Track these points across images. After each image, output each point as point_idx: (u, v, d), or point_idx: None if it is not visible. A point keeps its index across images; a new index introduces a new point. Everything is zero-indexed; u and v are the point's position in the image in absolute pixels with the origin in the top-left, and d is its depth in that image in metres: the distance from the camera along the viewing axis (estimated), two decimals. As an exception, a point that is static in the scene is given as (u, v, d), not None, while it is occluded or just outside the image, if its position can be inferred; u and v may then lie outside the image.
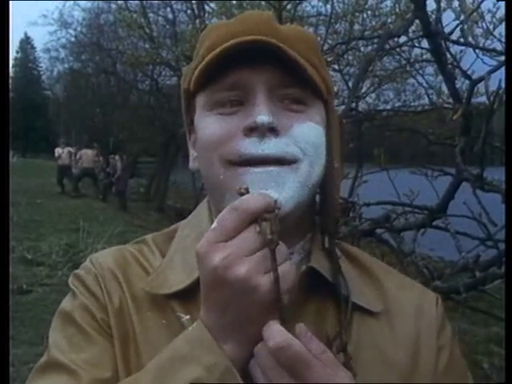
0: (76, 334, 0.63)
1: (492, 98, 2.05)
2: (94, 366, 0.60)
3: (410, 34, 3.50)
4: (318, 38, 4.87)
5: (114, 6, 14.53)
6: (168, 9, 13.04)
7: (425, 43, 3.49)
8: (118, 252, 0.71)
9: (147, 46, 10.00)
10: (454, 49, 3.32)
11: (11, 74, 48.63)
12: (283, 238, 0.51)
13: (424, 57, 5.02)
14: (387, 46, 3.33)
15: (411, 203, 3.36)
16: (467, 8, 2.62)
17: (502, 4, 2.67)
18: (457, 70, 3.16)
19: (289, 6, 4.80)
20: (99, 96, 20.29)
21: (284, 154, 0.59)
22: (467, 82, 2.94)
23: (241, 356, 0.53)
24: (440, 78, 4.28)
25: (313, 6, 6.67)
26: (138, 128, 16.90)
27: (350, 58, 5.97)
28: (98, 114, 20.82)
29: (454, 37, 2.78)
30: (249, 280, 0.49)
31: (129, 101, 19.24)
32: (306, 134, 0.60)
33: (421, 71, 5.17)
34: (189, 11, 11.71)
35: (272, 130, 0.58)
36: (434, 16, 2.82)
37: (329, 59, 4.95)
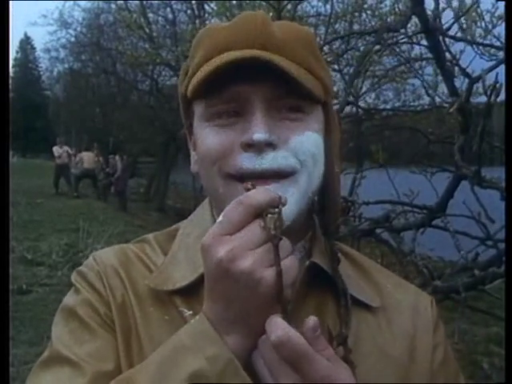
0: (79, 328, 0.64)
1: (489, 91, 2.05)
2: (97, 358, 0.61)
3: (409, 33, 3.50)
4: (318, 39, 4.88)
5: (113, 6, 14.57)
6: (168, 9, 13.07)
7: (424, 42, 3.49)
8: (120, 250, 0.72)
9: (147, 46, 10.01)
10: (454, 48, 3.33)
11: (11, 74, 48.66)
12: (284, 237, 0.52)
13: (423, 56, 5.02)
14: (386, 43, 3.31)
15: (411, 203, 3.36)
16: (466, 9, 2.62)
17: (501, 4, 2.67)
18: (456, 69, 3.16)
19: (288, 6, 4.81)
20: (99, 96, 20.32)
21: (282, 167, 0.60)
22: (466, 80, 2.94)
23: (243, 348, 0.53)
24: (439, 77, 4.29)
25: (312, 6, 6.70)
26: (137, 128, 16.93)
27: (350, 57, 5.97)
28: (97, 114, 20.87)
29: (452, 33, 2.79)
30: (253, 273, 0.50)
31: (129, 101, 19.26)
32: (305, 145, 0.61)
33: (420, 71, 5.17)
34: (189, 11, 11.75)
35: (269, 145, 0.59)
36: (432, 14, 2.81)
37: (328, 59, 4.95)
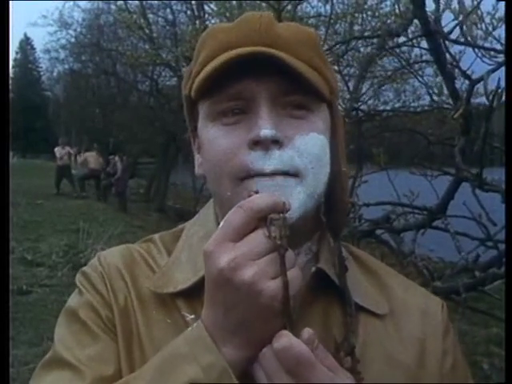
0: (80, 331, 0.64)
1: (491, 96, 2.06)
2: (98, 362, 0.61)
3: (410, 35, 3.50)
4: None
5: (113, 6, 14.56)
6: (168, 9, 13.08)
7: (424, 44, 3.50)
8: (126, 251, 0.71)
9: (147, 46, 10.03)
10: (454, 49, 3.33)
11: (11, 74, 48.62)
12: (290, 238, 0.51)
13: (423, 58, 5.03)
14: (387, 46, 3.32)
15: (411, 204, 3.35)
16: (466, 11, 2.62)
17: (501, 5, 2.67)
18: (456, 71, 3.16)
19: (288, 7, 4.81)
20: (99, 97, 20.31)
21: (289, 167, 0.59)
22: (466, 82, 2.94)
23: (240, 358, 0.53)
24: (439, 78, 4.29)
25: (313, 7, 6.70)
26: (137, 129, 16.90)
27: (350, 58, 5.97)
28: (97, 115, 20.86)
29: (453, 36, 2.78)
30: (254, 284, 0.49)
31: (129, 101, 19.25)
32: (310, 147, 0.60)
33: (420, 72, 5.18)
34: (189, 12, 11.76)
35: (275, 142, 0.58)
36: (433, 16, 2.82)
37: (329, 60, 4.95)
